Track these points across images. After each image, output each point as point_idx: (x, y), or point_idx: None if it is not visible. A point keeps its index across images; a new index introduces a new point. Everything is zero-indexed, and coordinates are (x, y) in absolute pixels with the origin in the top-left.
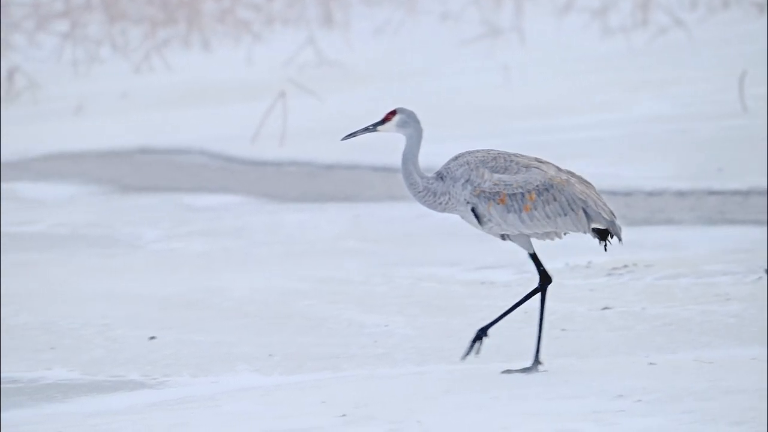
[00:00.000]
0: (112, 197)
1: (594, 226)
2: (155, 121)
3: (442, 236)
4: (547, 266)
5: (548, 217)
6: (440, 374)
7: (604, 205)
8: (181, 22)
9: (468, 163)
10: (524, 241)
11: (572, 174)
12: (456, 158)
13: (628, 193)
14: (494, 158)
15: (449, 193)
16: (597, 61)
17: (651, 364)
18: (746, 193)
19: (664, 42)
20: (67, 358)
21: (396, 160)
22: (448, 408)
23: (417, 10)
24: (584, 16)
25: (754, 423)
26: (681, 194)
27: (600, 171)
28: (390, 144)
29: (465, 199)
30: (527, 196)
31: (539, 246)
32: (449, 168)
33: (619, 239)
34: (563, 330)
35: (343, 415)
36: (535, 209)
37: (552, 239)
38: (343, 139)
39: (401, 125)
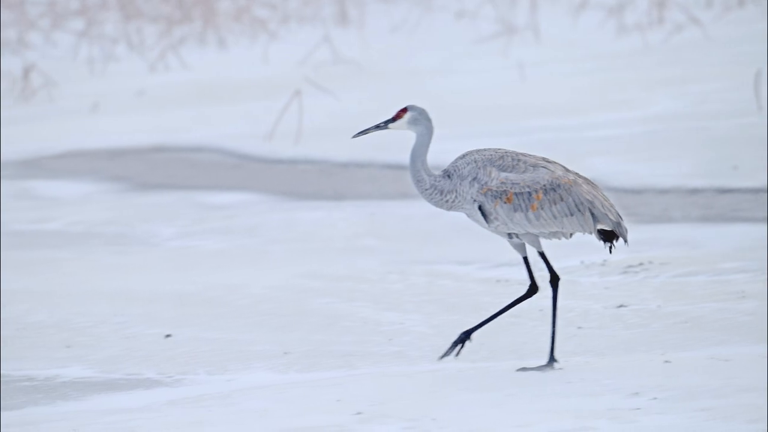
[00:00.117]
0: (128, 195)
1: (600, 227)
2: (171, 119)
3: (458, 234)
4: (563, 264)
5: (555, 217)
6: (456, 372)
7: (611, 206)
8: (196, 20)
9: (475, 162)
10: (533, 239)
11: (579, 175)
12: (463, 156)
13: (643, 191)
14: (501, 157)
15: (456, 191)
16: (612, 59)
17: (666, 361)
18: (761, 191)
19: (679, 40)
20: (82, 356)
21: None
22: (464, 406)
23: (432, 8)
24: (600, 13)
25: None
26: (696, 192)
27: (615, 169)
28: (406, 142)
29: (472, 197)
30: (534, 195)
31: (549, 245)
32: (456, 166)
33: (625, 241)
34: (579, 328)
35: (359, 413)
36: (542, 209)
37: (559, 239)
38: (354, 136)
39: (412, 123)
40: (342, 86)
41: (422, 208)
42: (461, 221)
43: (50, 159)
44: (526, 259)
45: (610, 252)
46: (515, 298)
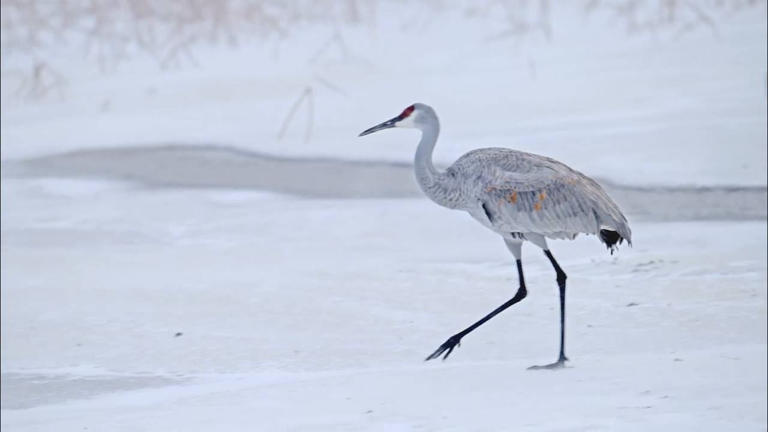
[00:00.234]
0: (138, 193)
1: (603, 227)
2: (181, 117)
3: (468, 232)
4: (573, 262)
5: (558, 216)
6: (466, 370)
7: (615, 207)
8: (207, 18)
9: (480, 160)
10: (538, 239)
11: (583, 175)
12: (468, 155)
13: (653, 189)
14: (506, 156)
15: (460, 190)
16: (623, 58)
17: (677, 360)
18: None
19: (690, 38)
20: (93, 355)
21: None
22: (474, 404)
23: (443, 7)
24: (610, 12)
25: None
26: (706, 190)
27: (625, 167)
28: (416, 140)
29: (476, 196)
30: (538, 194)
31: (560, 243)
32: (461, 164)
33: (629, 242)
34: (589, 326)
35: (369, 411)
36: (546, 208)
37: (563, 239)
38: (361, 134)
39: (419, 121)
40: (352, 84)
41: (432, 206)
42: (471, 220)
43: (61, 157)
44: (519, 263)
45: (612, 254)
46: (504, 302)
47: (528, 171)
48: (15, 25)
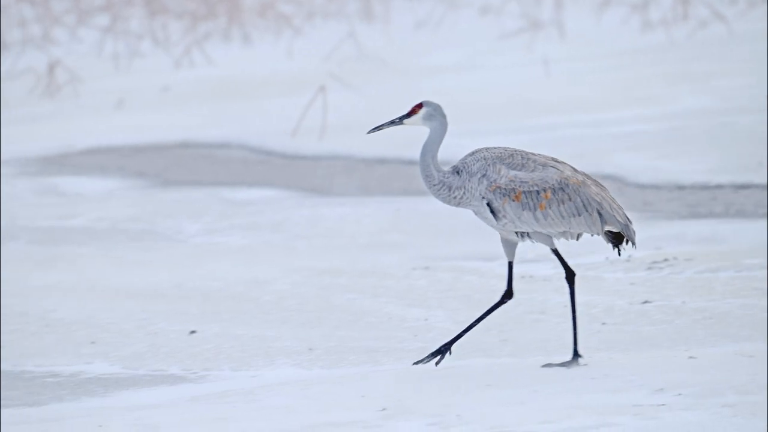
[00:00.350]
0: (153, 191)
1: (608, 228)
2: (196, 115)
3: (482, 230)
4: (588, 260)
5: (562, 216)
6: (480, 368)
7: (619, 208)
8: (221, 16)
9: (485, 159)
10: (544, 238)
11: (588, 176)
12: (473, 153)
13: (667, 187)
14: (511, 155)
15: (464, 188)
16: (637, 55)
17: (691, 357)
18: None
19: (704, 36)
20: (107, 353)
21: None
22: (488, 402)
23: (457, 4)
24: (624, 9)
25: None
26: (721, 188)
27: (640, 165)
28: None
29: (480, 194)
30: (542, 194)
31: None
32: (466, 163)
33: (633, 244)
34: (603, 324)
35: (383, 409)
36: (550, 208)
37: (567, 239)
38: (369, 132)
39: (427, 118)
40: (366, 82)
41: (446, 204)
42: None
43: (75, 155)
44: (510, 264)
45: (619, 254)
46: (491, 305)
47: (533, 170)
48: (29, 23)
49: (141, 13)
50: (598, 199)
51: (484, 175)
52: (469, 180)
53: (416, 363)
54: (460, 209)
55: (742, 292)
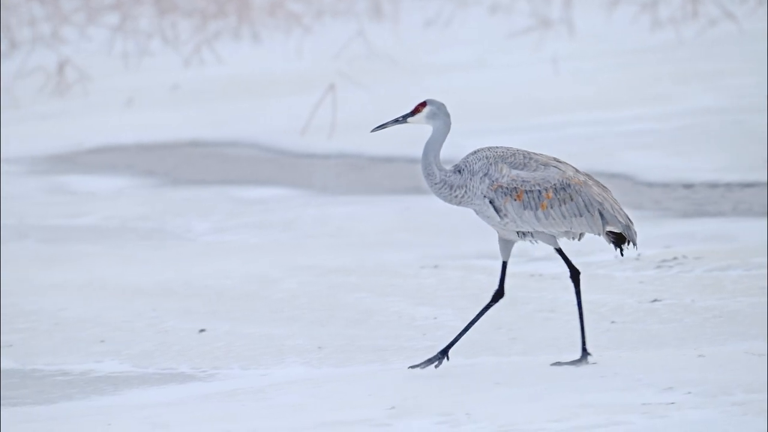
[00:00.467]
0: (162, 190)
1: (609, 229)
2: (205, 113)
3: (492, 229)
4: (597, 258)
5: (564, 216)
6: (489, 367)
7: (620, 209)
8: (231, 14)
9: (487, 158)
10: (548, 238)
11: (590, 176)
12: (475, 152)
13: (677, 185)
14: (513, 155)
15: (466, 187)
16: (646, 54)
17: (700, 356)
18: None
19: (713, 34)
20: (117, 351)
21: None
22: (498, 400)
23: (466, 3)
24: (634, 8)
25: None
26: (730, 186)
27: (649, 163)
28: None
29: (482, 193)
30: (544, 193)
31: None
32: (468, 162)
33: (635, 245)
34: (613, 322)
35: (392, 408)
36: (551, 207)
37: (571, 239)
38: (373, 131)
39: (430, 117)
40: (376, 80)
41: None
42: None
43: (84, 154)
44: (504, 264)
45: (622, 255)
46: (483, 306)
47: (535, 170)
48: (39, 22)
49: (150, 12)
50: (600, 200)
51: (485, 174)
52: (470, 179)
53: (413, 367)
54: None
55: (751, 290)
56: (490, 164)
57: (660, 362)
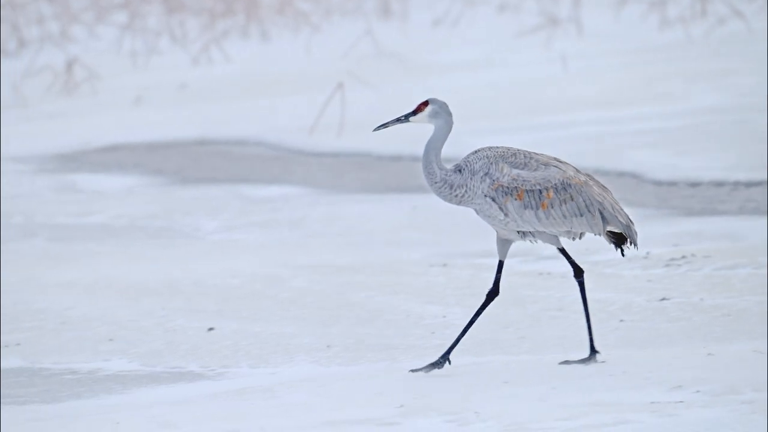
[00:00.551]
0: (171, 188)
1: (610, 229)
2: (214, 112)
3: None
4: (606, 257)
5: (564, 216)
6: (498, 365)
7: (621, 209)
8: (239, 13)
9: (487, 157)
10: (550, 238)
11: (590, 177)
12: (476, 152)
13: (685, 184)
14: (514, 154)
15: (466, 186)
16: (655, 52)
17: (709, 354)
18: None
19: (722, 33)
20: (125, 350)
21: (453, 151)
22: (506, 399)
23: (475, 2)
24: (642, 6)
25: None
26: (739, 185)
27: (657, 161)
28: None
29: (483, 192)
30: (545, 193)
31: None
32: (468, 161)
33: (635, 245)
34: (621, 321)
35: (401, 406)
36: (552, 207)
37: (572, 239)
38: (375, 129)
39: (433, 116)
40: (384, 79)
41: None
42: None
43: (93, 152)
44: (501, 263)
45: (623, 255)
46: (479, 307)
47: (535, 169)
48: (48, 21)
49: (159, 11)
50: (600, 200)
51: (486, 174)
52: (471, 178)
53: (414, 371)
54: None
55: (760, 289)
56: (491, 164)
57: (668, 361)
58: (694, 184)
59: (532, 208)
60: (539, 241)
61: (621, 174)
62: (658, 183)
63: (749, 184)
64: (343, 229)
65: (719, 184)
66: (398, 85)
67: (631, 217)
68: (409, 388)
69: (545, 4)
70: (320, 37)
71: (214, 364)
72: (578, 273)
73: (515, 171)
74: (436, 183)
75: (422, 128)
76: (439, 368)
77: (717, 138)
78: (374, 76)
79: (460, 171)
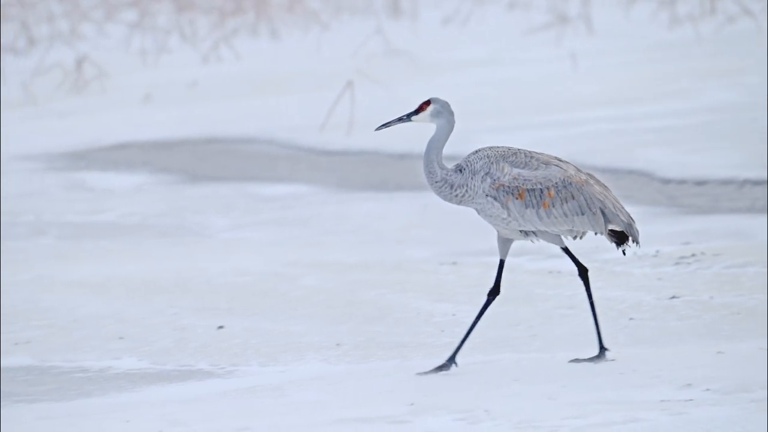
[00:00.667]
0: (181, 187)
1: (611, 227)
2: (223, 110)
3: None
4: (615, 255)
5: (565, 215)
6: (508, 363)
7: (622, 207)
8: (249, 11)
9: (488, 157)
10: (552, 237)
11: (591, 176)
12: (476, 152)
13: (694, 182)
14: (514, 154)
15: (467, 186)
16: (665, 50)
17: (719, 353)
18: None
19: (731, 31)
20: (135, 348)
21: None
22: (516, 397)
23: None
24: (652, 4)
25: None
26: (748, 183)
27: (667, 159)
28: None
29: (484, 192)
30: (546, 192)
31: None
32: (469, 161)
33: (637, 243)
34: (631, 319)
35: (411, 404)
36: (553, 206)
37: (574, 238)
38: (377, 129)
39: (435, 115)
40: (394, 78)
41: None
42: None
43: (103, 150)
44: (502, 262)
45: (624, 254)
46: (481, 307)
47: (536, 169)
48: (57, 18)
49: (168, 9)
50: (601, 198)
51: (487, 173)
52: (471, 178)
53: (421, 374)
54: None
55: None
56: (492, 163)
57: (678, 359)
58: (704, 182)
59: (533, 207)
60: (541, 241)
61: (630, 172)
62: (668, 181)
63: (758, 182)
64: (353, 228)
65: (729, 182)
66: (408, 84)
67: (638, 216)
68: (419, 386)
69: (555, 2)
70: (330, 35)
71: (224, 362)
72: (583, 272)
73: (516, 170)
74: (436, 182)
75: (433, 127)
76: (446, 371)
77: (726, 136)
78: (384, 75)
79: (460, 171)
